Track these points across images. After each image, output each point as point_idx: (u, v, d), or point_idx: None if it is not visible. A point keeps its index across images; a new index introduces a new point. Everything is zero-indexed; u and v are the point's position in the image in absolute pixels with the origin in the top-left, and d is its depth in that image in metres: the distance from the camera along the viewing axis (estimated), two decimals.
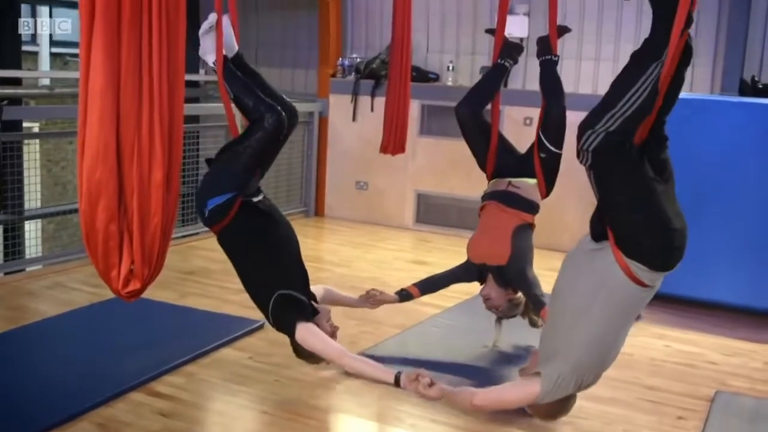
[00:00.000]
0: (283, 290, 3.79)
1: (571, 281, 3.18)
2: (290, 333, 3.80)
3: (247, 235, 3.82)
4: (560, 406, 3.34)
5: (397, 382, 3.52)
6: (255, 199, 3.87)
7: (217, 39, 3.65)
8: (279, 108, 3.67)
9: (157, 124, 2.58)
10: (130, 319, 4.77)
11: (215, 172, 3.81)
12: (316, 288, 4.24)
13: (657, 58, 2.81)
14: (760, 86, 5.92)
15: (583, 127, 2.93)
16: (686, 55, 2.87)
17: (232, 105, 3.82)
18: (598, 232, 3.10)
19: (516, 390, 3.38)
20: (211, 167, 3.87)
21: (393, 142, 5.51)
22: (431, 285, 4.54)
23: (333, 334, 3.97)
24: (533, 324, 4.45)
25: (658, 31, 2.86)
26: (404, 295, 4.50)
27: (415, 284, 4.52)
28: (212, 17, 3.65)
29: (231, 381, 4.08)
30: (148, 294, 2.98)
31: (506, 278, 4.28)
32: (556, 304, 3.25)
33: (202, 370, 4.21)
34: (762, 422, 3.95)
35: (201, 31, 3.74)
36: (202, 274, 6.04)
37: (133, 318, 4.76)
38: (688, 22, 2.78)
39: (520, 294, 4.35)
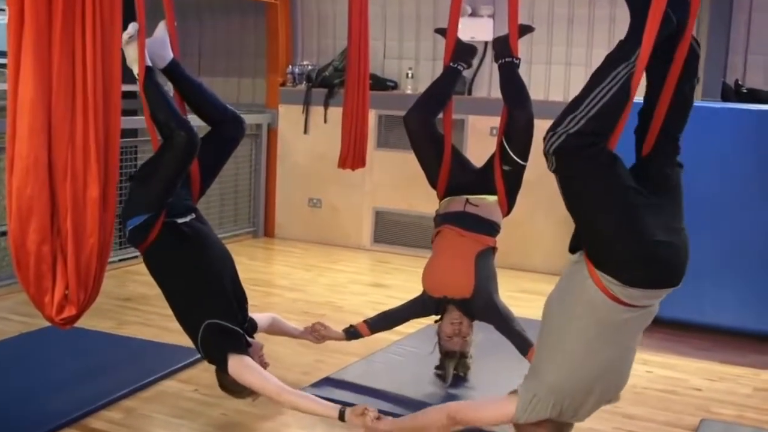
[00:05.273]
0: (212, 319, 3.65)
1: (557, 296, 3.12)
2: (221, 365, 3.69)
3: (170, 257, 3.75)
4: None
5: (341, 418, 3.47)
6: (180, 221, 3.77)
7: (139, 49, 3.59)
8: (190, 125, 3.58)
9: (92, 137, 2.57)
10: (63, 349, 4.69)
11: (134, 191, 3.78)
12: (263, 315, 4.19)
13: (626, 59, 2.82)
14: (744, 90, 5.80)
15: (548, 130, 2.92)
16: (691, 61, 2.91)
17: None
18: (573, 243, 3.05)
19: (492, 408, 3.31)
20: (131, 185, 3.84)
21: (352, 155, 5.41)
22: (384, 322, 4.39)
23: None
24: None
25: (632, 31, 2.85)
26: (352, 333, 4.34)
27: (365, 321, 4.37)
28: (132, 27, 3.58)
29: (174, 415, 4.02)
30: (82, 322, 2.99)
31: (472, 311, 4.14)
32: (544, 320, 3.16)
33: (142, 404, 4.14)
34: None
35: (122, 42, 3.65)
36: (140, 300, 5.89)
37: (67, 349, 4.70)
38: (667, 23, 2.77)
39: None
